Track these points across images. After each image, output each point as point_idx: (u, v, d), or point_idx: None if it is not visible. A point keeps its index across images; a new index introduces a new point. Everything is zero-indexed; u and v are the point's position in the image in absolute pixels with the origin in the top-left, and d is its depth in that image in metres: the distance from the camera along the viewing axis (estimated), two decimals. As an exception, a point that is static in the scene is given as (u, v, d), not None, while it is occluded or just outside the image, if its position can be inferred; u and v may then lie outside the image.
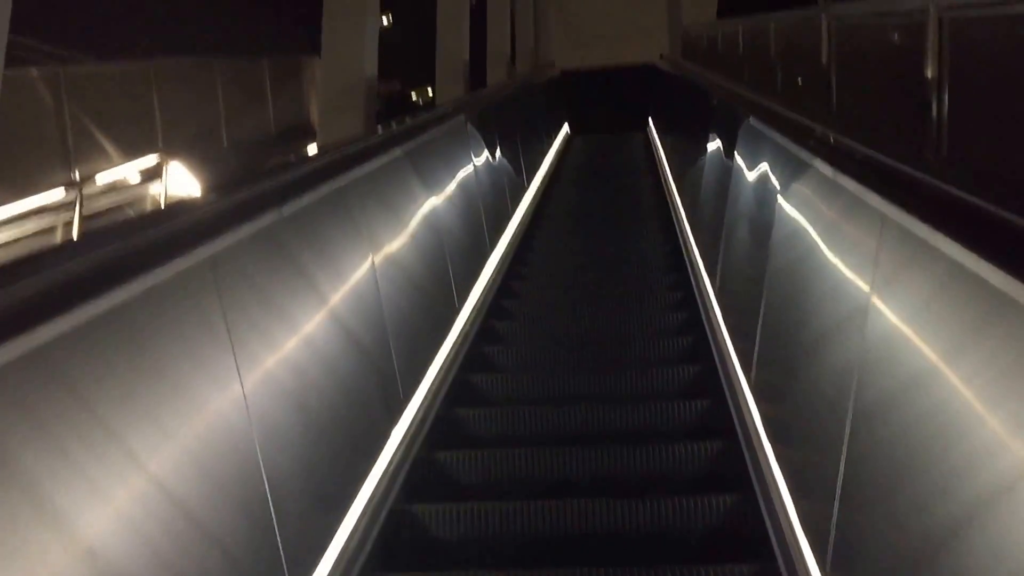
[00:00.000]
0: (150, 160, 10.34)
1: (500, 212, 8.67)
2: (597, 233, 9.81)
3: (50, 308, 1.94)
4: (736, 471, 4.25)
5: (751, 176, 5.14)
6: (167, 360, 2.41)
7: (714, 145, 7.20)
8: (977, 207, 2.09)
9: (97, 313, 2.10)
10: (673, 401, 5.11)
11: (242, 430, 2.71)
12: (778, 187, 4.26)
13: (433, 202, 5.93)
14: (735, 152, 5.83)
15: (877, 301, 2.60)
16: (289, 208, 3.34)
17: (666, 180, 11.47)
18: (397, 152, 5.33)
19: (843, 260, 3.06)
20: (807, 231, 3.64)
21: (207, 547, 2.43)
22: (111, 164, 9.78)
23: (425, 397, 4.76)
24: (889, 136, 4.56)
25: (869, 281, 2.69)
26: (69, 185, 8.95)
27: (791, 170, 4.06)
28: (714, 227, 6.35)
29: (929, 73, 3.82)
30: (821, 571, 2.84)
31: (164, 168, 10.53)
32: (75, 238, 8.57)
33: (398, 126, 6.18)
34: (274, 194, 3.27)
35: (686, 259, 7.68)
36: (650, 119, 17.85)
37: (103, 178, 9.58)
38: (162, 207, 9.63)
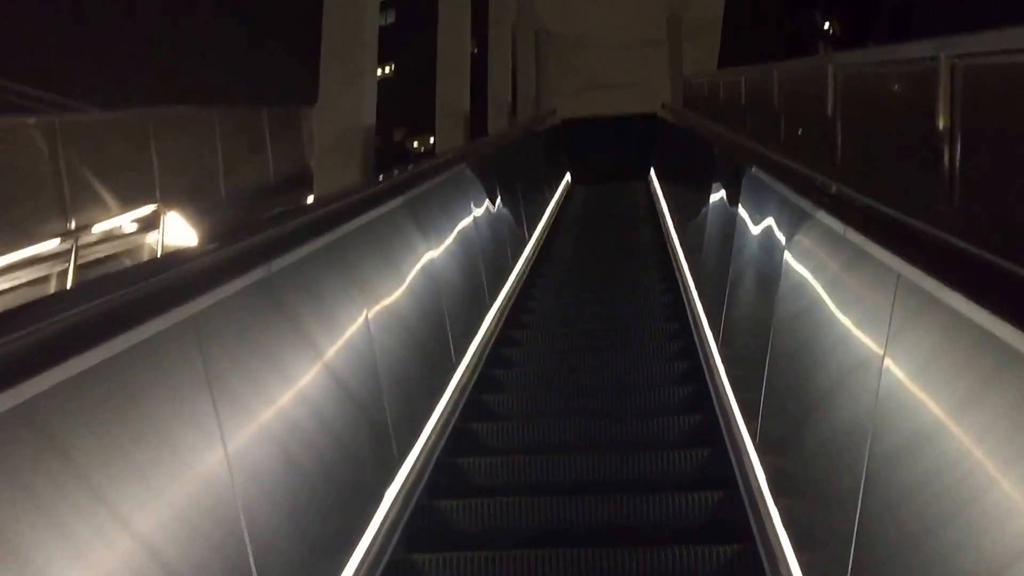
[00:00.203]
0: (147, 210, 10.25)
1: (500, 265, 8.54)
2: (598, 288, 9.64)
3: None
4: (737, 522, 4.18)
5: (755, 228, 5.04)
6: (145, 422, 2.29)
7: (716, 196, 7.11)
8: (995, 265, 1.99)
9: (68, 376, 2.01)
10: (673, 450, 5.06)
11: (224, 493, 2.58)
12: (784, 241, 4.15)
13: (432, 255, 5.81)
14: (738, 203, 5.73)
15: (891, 361, 2.50)
16: (279, 263, 3.22)
17: (668, 232, 11.37)
18: (395, 202, 5.22)
19: (856, 318, 2.95)
20: (815, 286, 3.54)
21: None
22: (108, 213, 9.68)
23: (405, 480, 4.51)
24: (898, 188, 4.46)
25: (883, 340, 2.58)
26: (64, 235, 8.84)
27: (798, 224, 3.96)
28: (717, 279, 6.24)
29: (941, 123, 3.71)
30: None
31: (161, 218, 10.43)
32: (68, 288, 8.47)
33: (398, 175, 6.06)
34: (262, 249, 3.15)
35: (688, 312, 7.55)
36: (652, 169, 17.81)
37: (99, 228, 9.48)
38: (156, 256, 9.52)
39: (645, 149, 19.39)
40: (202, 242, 3.10)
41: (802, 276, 3.79)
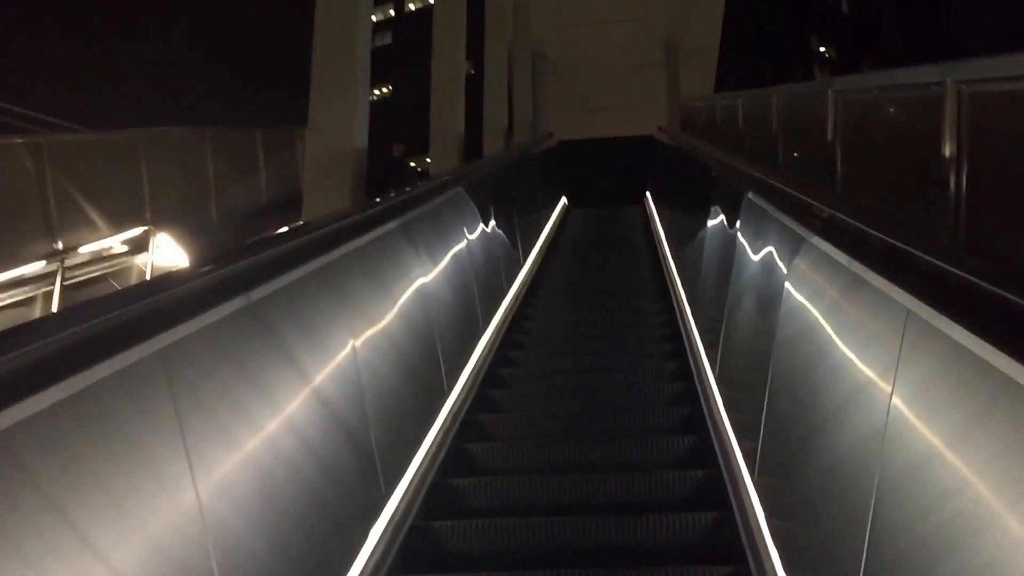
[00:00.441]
0: (136, 232, 10.11)
1: (494, 289, 8.38)
2: (593, 315, 9.46)
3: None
4: (730, 543, 4.10)
5: (754, 256, 4.91)
6: (109, 459, 2.17)
7: (713, 221, 6.98)
8: (1004, 299, 1.91)
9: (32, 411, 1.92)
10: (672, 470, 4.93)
11: (194, 536, 2.44)
12: (785, 271, 4.02)
13: (424, 281, 5.64)
14: (736, 229, 5.60)
15: (898, 399, 2.37)
16: (258, 293, 3.07)
17: (664, 257, 11.24)
18: (387, 227, 5.07)
19: (863, 352, 2.81)
20: (818, 319, 3.40)
21: None
22: (96, 234, 9.54)
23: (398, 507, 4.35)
24: (900, 215, 4.33)
25: (892, 376, 2.45)
26: (50, 256, 8.71)
27: (799, 254, 3.82)
28: (715, 307, 6.09)
29: (947, 151, 3.59)
30: None
31: (151, 240, 10.30)
32: (54, 310, 8.33)
33: (390, 199, 5.89)
34: (241, 278, 3.01)
35: (684, 339, 7.41)
36: (648, 192, 17.71)
37: (86, 249, 9.34)
38: (143, 280, 9.38)
39: (641, 171, 19.31)
40: (179, 271, 2.95)
41: (804, 310, 3.66)
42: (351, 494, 3.79)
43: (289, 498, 3.09)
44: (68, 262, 8.94)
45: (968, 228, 3.68)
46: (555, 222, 15.67)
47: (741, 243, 5.36)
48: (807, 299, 3.61)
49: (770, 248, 4.41)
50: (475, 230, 7.82)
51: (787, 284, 3.88)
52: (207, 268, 2.88)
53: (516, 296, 9.41)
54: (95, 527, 2.08)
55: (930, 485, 2.14)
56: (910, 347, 2.39)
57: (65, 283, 8.80)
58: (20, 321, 3.45)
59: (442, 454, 5.24)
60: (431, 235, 6.14)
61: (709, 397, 5.68)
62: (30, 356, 1.96)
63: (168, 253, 10.46)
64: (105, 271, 9.77)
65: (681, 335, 7.68)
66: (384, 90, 55.11)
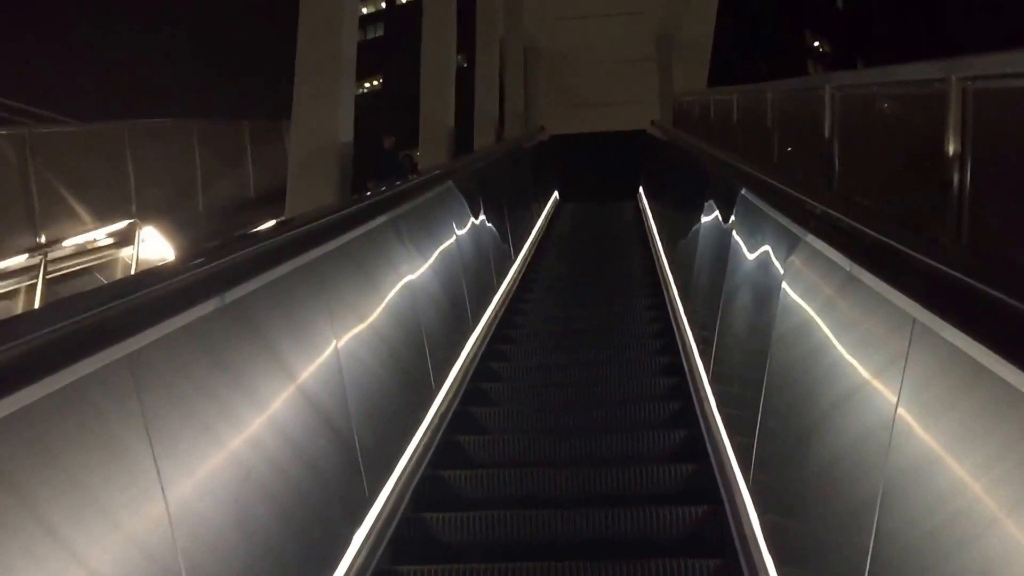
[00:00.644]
0: (121, 225, 9.98)
1: (484, 285, 8.27)
2: (584, 313, 9.34)
3: None
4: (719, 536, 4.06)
5: (749, 253, 4.79)
6: (74, 467, 2.07)
7: (707, 217, 6.87)
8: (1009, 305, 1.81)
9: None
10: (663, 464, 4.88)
11: (163, 552, 2.32)
12: (781, 270, 3.90)
13: (411, 277, 5.52)
14: (730, 226, 5.49)
15: (904, 410, 2.26)
16: (232, 294, 2.94)
17: (657, 254, 11.14)
18: (374, 223, 4.95)
19: (866, 360, 2.70)
20: (817, 324, 3.29)
21: None
22: (81, 227, 9.41)
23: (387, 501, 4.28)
24: (901, 216, 4.22)
25: (897, 385, 2.34)
26: (33, 249, 8.57)
27: (796, 256, 3.70)
28: (708, 304, 5.99)
29: (951, 149, 3.47)
30: None
31: (137, 233, 10.16)
32: (37, 304, 8.21)
33: (376, 195, 5.75)
34: (216, 278, 2.88)
35: (677, 336, 7.31)
36: (641, 187, 17.61)
37: (71, 242, 9.21)
38: (122, 277, 9.25)
39: (634, 166, 19.23)
40: (148, 272, 2.82)
41: (803, 313, 3.55)
42: (335, 491, 3.70)
43: (272, 499, 2.98)
44: (52, 255, 8.81)
45: (971, 228, 3.58)
46: (547, 217, 15.56)
47: (735, 240, 5.25)
48: (806, 298, 3.50)
49: (766, 246, 4.29)
50: (465, 225, 7.70)
51: (784, 284, 3.76)
52: (185, 266, 2.76)
53: (506, 291, 9.31)
54: (66, 528, 1.99)
55: (935, 483, 2.07)
56: (912, 347, 2.29)
57: (48, 277, 8.67)
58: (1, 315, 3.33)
59: (432, 448, 5.23)
60: (420, 230, 6.02)
61: (701, 395, 5.63)
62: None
63: (154, 246, 10.33)
64: (90, 264, 9.64)
65: (673, 331, 7.61)
66: (376, 83, 55.01)
